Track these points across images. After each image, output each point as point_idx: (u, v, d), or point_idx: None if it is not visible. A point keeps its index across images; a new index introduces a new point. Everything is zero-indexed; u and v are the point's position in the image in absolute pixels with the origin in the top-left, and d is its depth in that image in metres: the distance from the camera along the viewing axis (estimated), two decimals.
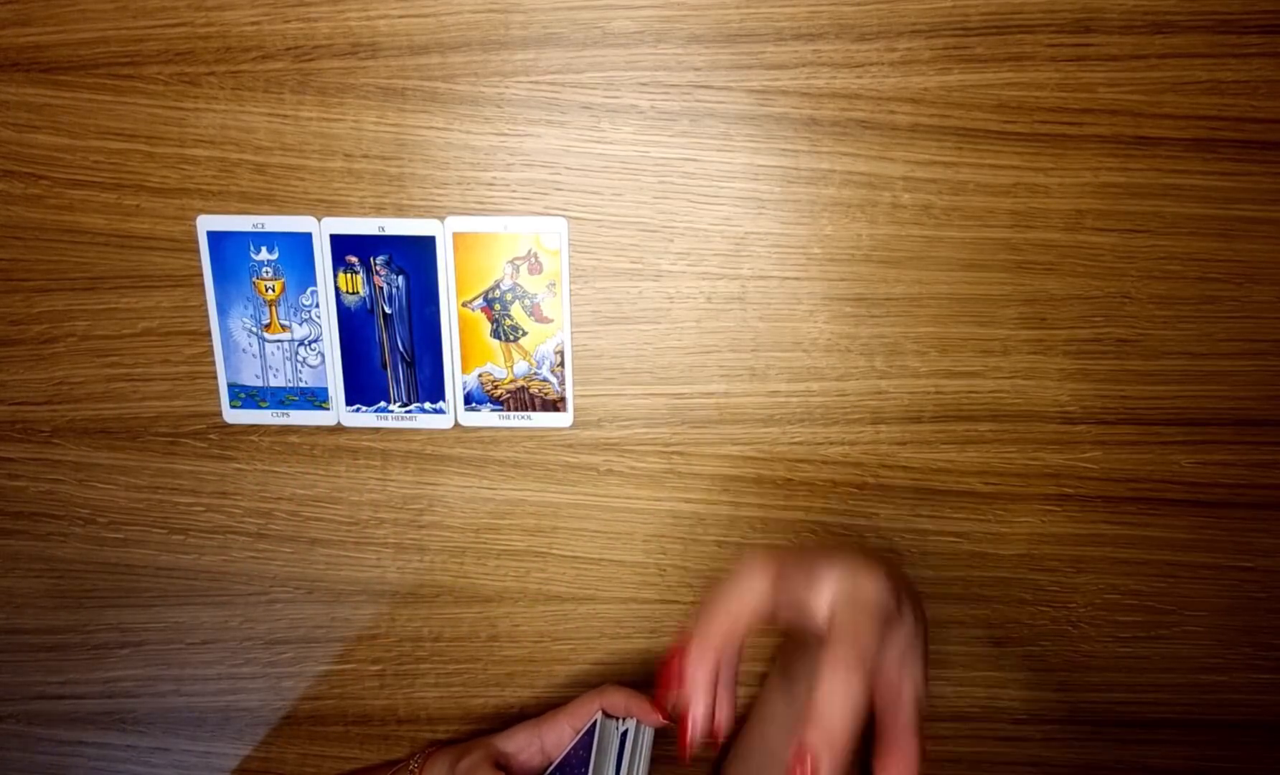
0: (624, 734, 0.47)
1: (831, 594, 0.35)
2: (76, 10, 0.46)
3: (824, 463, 0.51)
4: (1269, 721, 0.55)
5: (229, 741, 0.57)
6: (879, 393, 0.50)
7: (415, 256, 0.49)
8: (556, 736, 0.48)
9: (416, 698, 0.56)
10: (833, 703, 0.31)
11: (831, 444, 0.51)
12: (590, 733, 0.47)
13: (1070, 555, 0.53)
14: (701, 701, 0.35)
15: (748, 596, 0.35)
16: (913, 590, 0.38)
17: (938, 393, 0.50)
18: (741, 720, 0.53)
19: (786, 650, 0.48)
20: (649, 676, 0.55)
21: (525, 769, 0.48)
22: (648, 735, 0.47)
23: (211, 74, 0.47)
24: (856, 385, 0.50)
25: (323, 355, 0.50)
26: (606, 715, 0.48)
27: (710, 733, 0.36)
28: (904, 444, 0.51)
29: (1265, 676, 0.54)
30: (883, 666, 0.35)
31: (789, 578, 0.35)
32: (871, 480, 0.52)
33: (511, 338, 0.50)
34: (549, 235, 0.48)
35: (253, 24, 0.46)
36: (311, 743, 0.57)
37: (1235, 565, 0.52)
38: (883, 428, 0.51)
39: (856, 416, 0.51)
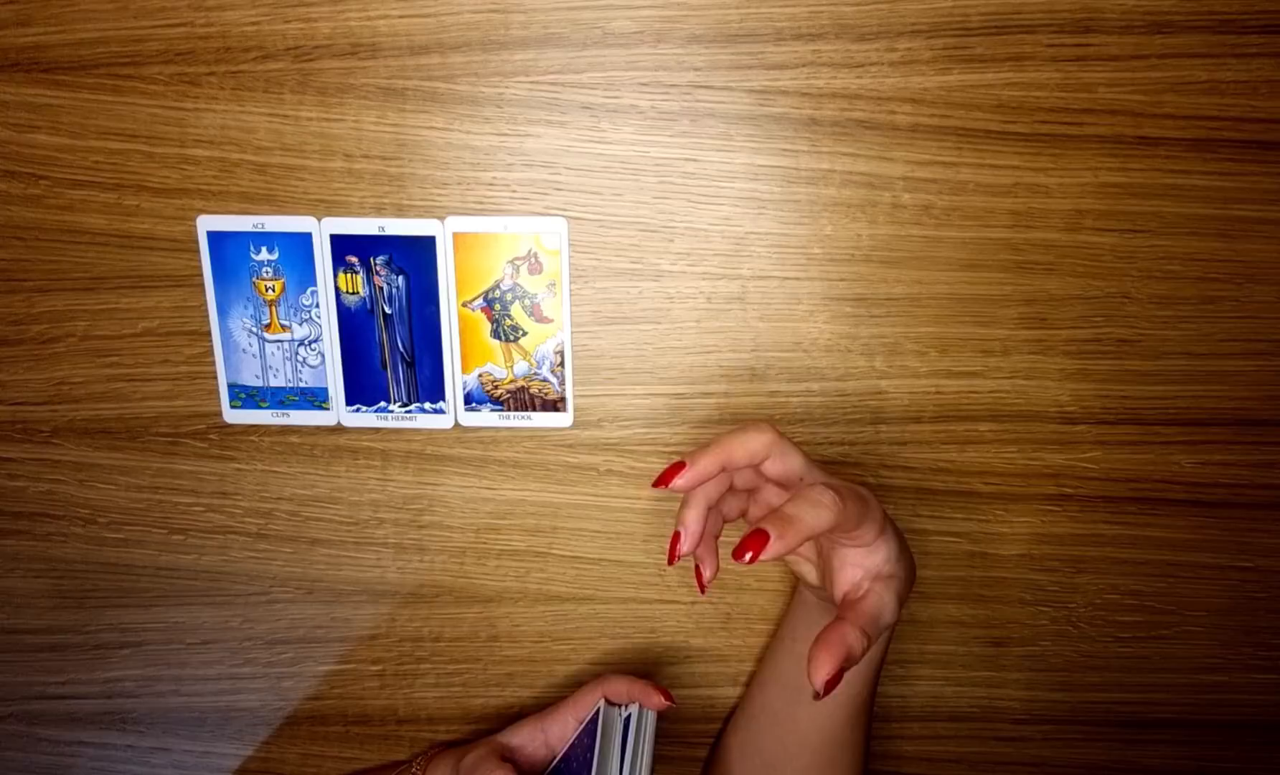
0: (627, 719, 0.47)
1: (825, 479, 0.39)
2: (76, 10, 0.46)
3: (824, 463, 0.51)
4: (1269, 721, 0.55)
5: (229, 741, 0.57)
6: (879, 393, 0.50)
7: (415, 256, 0.49)
8: (560, 728, 0.49)
9: (416, 698, 0.56)
10: (799, 506, 0.36)
11: (831, 444, 0.51)
12: (594, 721, 0.47)
13: (1070, 555, 0.53)
14: (692, 509, 0.41)
15: (750, 440, 0.39)
16: (901, 537, 0.41)
17: (938, 393, 0.50)
18: (745, 685, 0.54)
19: (792, 614, 0.49)
20: (650, 673, 0.55)
21: (531, 761, 0.48)
22: (650, 719, 0.47)
23: (211, 74, 0.47)
24: (856, 385, 0.50)
25: (323, 355, 0.50)
26: (609, 703, 0.48)
27: (697, 570, 0.43)
28: (904, 444, 0.51)
29: (1265, 676, 0.54)
30: (853, 576, 0.40)
31: (786, 450, 0.40)
32: (871, 480, 0.52)
33: (511, 338, 0.50)
34: (549, 235, 0.48)
35: (253, 24, 0.46)
36: (311, 743, 0.57)
37: (1235, 565, 0.52)
38: (883, 428, 0.51)
39: (856, 416, 0.51)
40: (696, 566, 0.43)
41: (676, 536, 0.41)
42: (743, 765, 0.50)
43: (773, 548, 0.35)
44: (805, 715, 0.47)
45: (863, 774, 0.49)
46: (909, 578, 0.41)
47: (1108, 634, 0.54)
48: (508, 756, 0.47)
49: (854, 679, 0.45)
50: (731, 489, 0.43)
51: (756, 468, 0.40)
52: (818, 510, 0.36)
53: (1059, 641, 0.54)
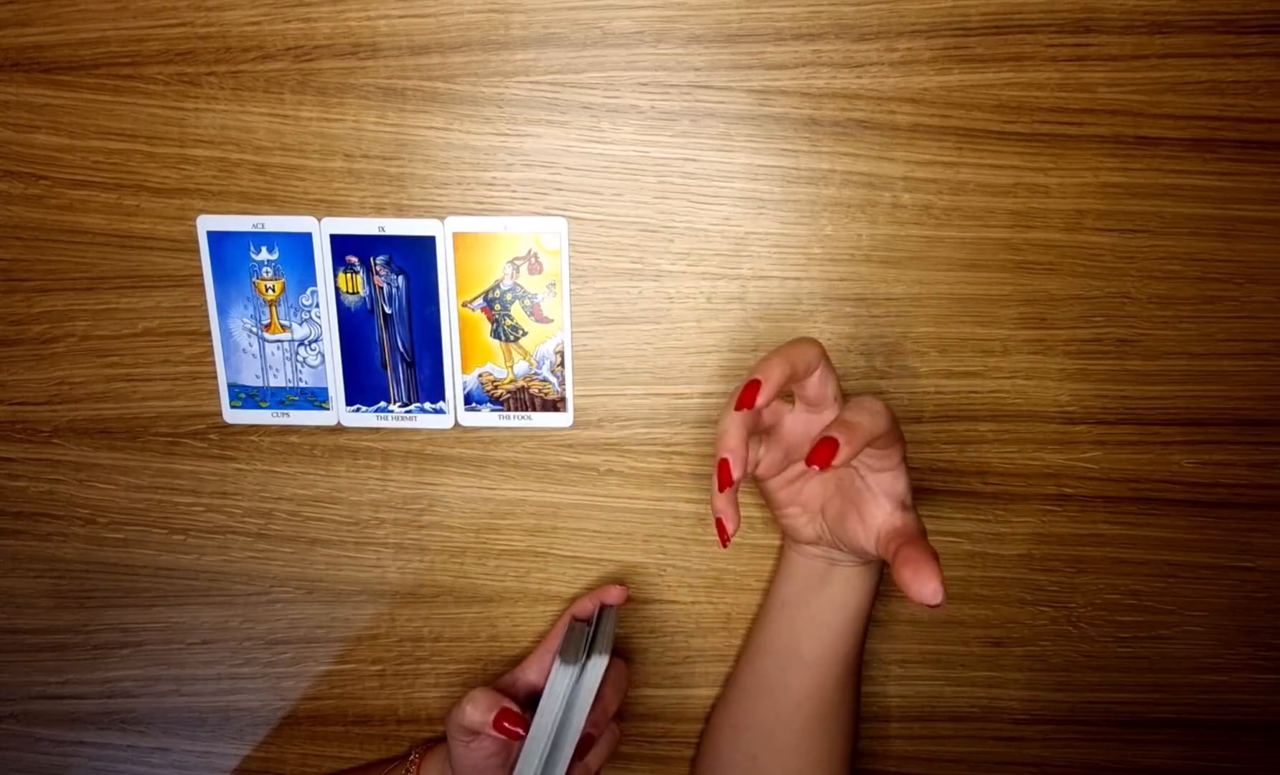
0: (593, 621, 0.49)
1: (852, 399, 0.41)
2: (76, 10, 0.46)
3: None
4: (1269, 721, 0.55)
5: (229, 741, 0.57)
6: (879, 393, 0.50)
7: (415, 256, 0.49)
8: (539, 665, 0.49)
9: (416, 698, 0.56)
10: (858, 413, 0.38)
11: None
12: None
13: (1070, 555, 0.53)
14: (735, 430, 0.39)
15: (806, 350, 0.40)
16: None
17: (938, 393, 0.50)
18: (736, 659, 0.54)
19: (780, 580, 0.49)
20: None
21: (516, 700, 0.48)
22: (611, 613, 0.49)
23: (211, 74, 0.47)
24: (856, 385, 0.50)
25: (323, 355, 0.50)
26: (576, 619, 0.50)
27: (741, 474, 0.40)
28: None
29: (1265, 676, 0.54)
30: (885, 508, 0.42)
31: (829, 369, 0.41)
32: None
33: (511, 338, 0.50)
34: (549, 235, 0.48)
35: (253, 24, 0.46)
36: (311, 743, 0.57)
37: (1235, 565, 0.52)
38: None
39: None
40: (719, 520, 0.40)
41: (725, 464, 0.39)
42: (736, 741, 0.50)
43: (842, 453, 0.36)
44: (796, 680, 0.47)
45: (853, 734, 0.49)
46: (901, 453, 0.43)
47: (1108, 634, 0.54)
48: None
49: (845, 636, 0.46)
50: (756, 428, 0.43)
51: (796, 386, 0.41)
52: (875, 417, 0.38)
53: (1059, 641, 0.54)
